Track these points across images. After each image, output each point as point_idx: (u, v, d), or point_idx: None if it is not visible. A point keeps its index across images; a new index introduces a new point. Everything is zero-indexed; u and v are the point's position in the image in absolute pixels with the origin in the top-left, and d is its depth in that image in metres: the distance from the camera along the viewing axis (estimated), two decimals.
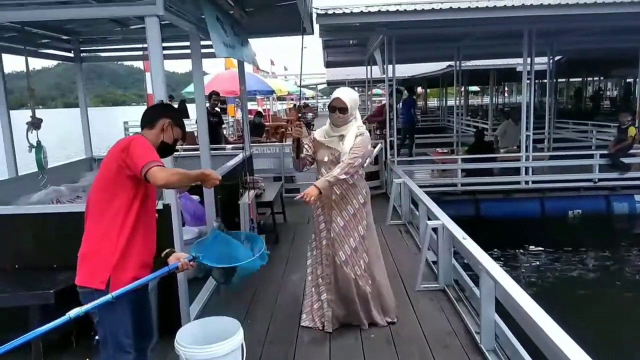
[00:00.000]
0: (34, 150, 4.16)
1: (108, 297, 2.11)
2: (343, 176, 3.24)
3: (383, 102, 11.51)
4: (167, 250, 2.50)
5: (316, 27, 7.55)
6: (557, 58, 13.12)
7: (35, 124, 3.97)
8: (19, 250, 3.42)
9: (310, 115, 3.81)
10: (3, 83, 4.77)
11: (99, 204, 2.30)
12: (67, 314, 2.00)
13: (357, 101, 3.48)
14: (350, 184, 3.40)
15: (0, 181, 4.66)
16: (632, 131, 8.53)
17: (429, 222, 4.21)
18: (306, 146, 3.49)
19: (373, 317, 3.53)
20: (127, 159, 2.21)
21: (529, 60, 8.72)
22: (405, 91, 12.52)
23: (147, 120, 2.48)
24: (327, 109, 3.57)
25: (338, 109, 3.36)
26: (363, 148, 3.33)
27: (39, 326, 3.00)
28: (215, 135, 9.11)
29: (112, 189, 2.27)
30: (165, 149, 2.48)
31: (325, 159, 3.43)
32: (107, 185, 2.29)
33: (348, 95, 3.36)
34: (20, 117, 4.83)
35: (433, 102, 38.88)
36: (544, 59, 11.60)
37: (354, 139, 3.33)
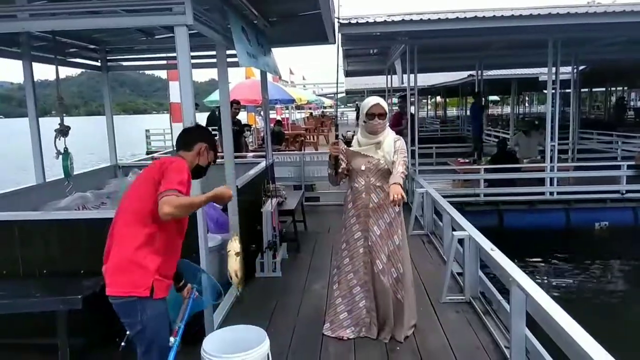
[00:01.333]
0: (60, 157, 4.21)
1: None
2: (406, 172, 3.28)
3: (396, 110, 11.50)
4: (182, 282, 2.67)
5: (338, 36, 7.57)
6: (581, 68, 12.92)
7: (63, 131, 4.04)
8: (47, 256, 3.45)
9: (350, 133, 3.78)
10: (33, 92, 4.87)
11: (138, 213, 2.34)
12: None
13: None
14: (386, 192, 3.35)
15: (29, 187, 4.75)
16: None
17: (455, 233, 4.14)
18: (342, 162, 3.49)
19: (402, 327, 3.49)
20: (162, 178, 2.29)
21: (553, 69, 8.59)
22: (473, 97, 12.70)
23: (185, 143, 2.58)
24: (360, 118, 3.55)
25: (378, 115, 3.36)
26: (405, 150, 3.39)
27: (67, 331, 3.06)
28: (237, 144, 9.17)
29: (151, 200, 2.30)
30: (199, 171, 2.60)
31: (363, 168, 3.41)
32: (147, 195, 2.33)
33: (384, 101, 3.42)
34: (46, 125, 4.92)
35: (452, 112, 38.61)
36: (568, 69, 11.44)
37: (394, 143, 3.36)
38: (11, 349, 3.36)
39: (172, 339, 2.39)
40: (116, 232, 2.41)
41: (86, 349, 3.25)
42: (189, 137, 2.62)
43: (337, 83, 3.89)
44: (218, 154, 2.73)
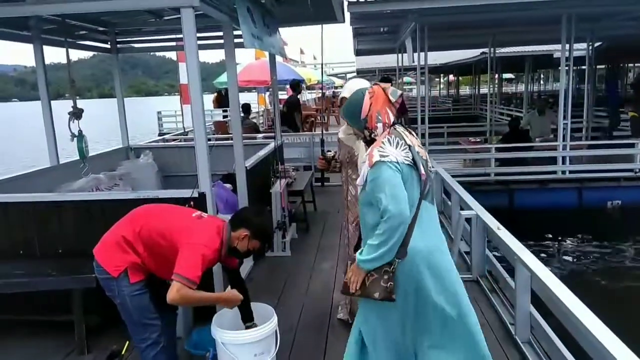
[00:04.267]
0: (75, 139, 4.28)
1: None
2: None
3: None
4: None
5: (347, 15, 7.49)
6: (596, 44, 12.63)
7: (76, 114, 4.10)
8: (62, 237, 3.55)
9: (330, 153, 3.74)
10: (44, 75, 4.93)
11: (146, 239, 2.48)
12: None
13: None
14: None
15: (43, 169, 4.84)
16: None
17: (462, 212, 4.15)
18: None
19: None
20: (181, 251, 2.37)
21: (567, 46, 8.42)
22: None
23: (235, 221, 2.63)
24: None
25: None
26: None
27: (82, 309, 3.17)
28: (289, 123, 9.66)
29: (167, 246, 2.45)
30: (235, 253, 2.62)
31: (342, 158, 3.34)
32: (166, 237, 2.46)
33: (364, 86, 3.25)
34: (58, 108, 4.99)
35: (465, 90, 38.10)
36: (583, 45, 11.19)
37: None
38: (30, 325, 3.49)
39: None
40: (118, 227, 2.55)
41: (101, 326, 3.36)
42: (239, 217, 2.65)
43: (322, 91, 3.82)
44: (262, 243, 2.67)
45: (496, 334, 3.26)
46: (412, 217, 2.07)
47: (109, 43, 6.02)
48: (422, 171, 2.13)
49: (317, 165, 3.53)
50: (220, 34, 5.29)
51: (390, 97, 2.21)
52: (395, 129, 2.19)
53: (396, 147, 2.09)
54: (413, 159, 2.10)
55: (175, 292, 2.30)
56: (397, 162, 2.06)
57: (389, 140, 2.12)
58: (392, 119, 2.20)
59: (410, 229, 2.07)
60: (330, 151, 3.47)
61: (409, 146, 2.13)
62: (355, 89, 2.68)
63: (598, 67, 16.35)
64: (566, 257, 7.32)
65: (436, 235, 2.21)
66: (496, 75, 15.73)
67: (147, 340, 2.51)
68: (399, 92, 2.25)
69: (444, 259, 2.20)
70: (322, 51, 4.46)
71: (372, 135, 2.21)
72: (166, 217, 2.56)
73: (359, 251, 2.18)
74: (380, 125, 2.18)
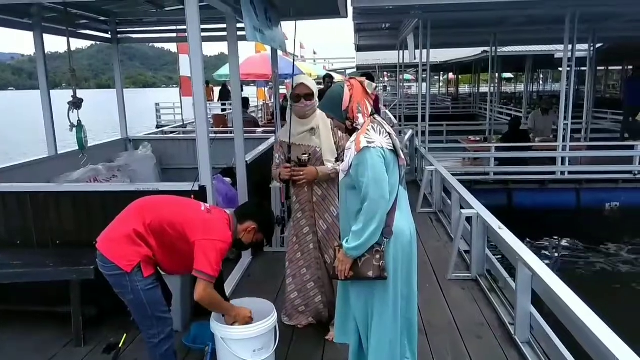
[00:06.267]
0: (74, 129, 4.23)
1: None
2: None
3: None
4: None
5: (350, 9, 7.43)
6: (598, 45, 12.62)
7: (76, 103, 4.04)
8: (60, 227, 3.52)
9: (305, 156, 3.58)
10: (44, 64, 4.89)
11: (158, 232, 2.43)
12: None
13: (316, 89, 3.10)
14: (331, 183, 3.13)
15: (42, 159, 4.80)
16: None
17: (463, 211, 4.15)
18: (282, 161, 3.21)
19: None
20: (197, 247, 2.36)
21: (570, 47, 8.40)
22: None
23: (241, 213, 2.66)
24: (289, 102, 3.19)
25: (304, 96, 3.02)
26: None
27: (80, 300, 3.14)
28: None
29: (178, 238, 2.43)
30: (240, 245, 2.65)
31: (301, 160, 3.09)
32: (178, 230, 2.43)
33: (312, 82, 3.08)
34: (55, 98, 4.94)
35: (464, 89, 38.10)
36: (584, 46, 11.17)
37: (334, 132, 3.05)
38: (27, 316, 3.46)
39: None
40: (126, 220, 2.48)
41: (99, 317, 3.34)
42: (245, 211, 2.70)
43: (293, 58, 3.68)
44: (266, 237, 2.73)
45: (495, 334, 3.25)
46: (394, 200, 2.25)
47: (110, 33, 5.97)
48: (402, 157, 2.31)
49: (280, 176, 3.13)
50: (222, 26, 5.25)
51: (367, 89, 2.36)
52: (375, 118, 2.34)
53: (379, 135, 2.24)
54: (394, 145, 2.26)
55: (202, 290, 2.32)
56: (382, 148, 2.20)
57: (373, 128, 2.26)
58: (370, 109, 2.34)
59: (393, 210, 2.24)
60: (305, 154, 3.09)
61: (389, 134, 2.28)
62: (313, 82, 3.05)
63: (598, 68, 16.33)
64: (563, 258, 7.33)
65: (411, 217, 2.41)
66: (496, 75, 15.71)
67: (160, 335, 2.45)
68: (374, 84, 2.43)
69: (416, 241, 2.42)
70: (294, 47, 4.30)
71: (354, 125, 2.33)
72: (177, 210, 2.52)
73: (345, 239, 2.29)
74: (360, 115, 2.31)
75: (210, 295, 2.39)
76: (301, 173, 3.03)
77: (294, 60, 3.99)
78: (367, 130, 2.24)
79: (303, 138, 3.09)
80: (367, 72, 5.99)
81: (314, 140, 3.07)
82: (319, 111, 3.01)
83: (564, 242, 7.91)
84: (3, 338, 3.28)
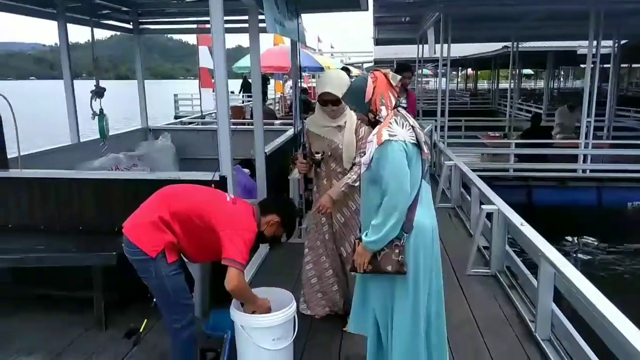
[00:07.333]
0: (96, 117, 4.29)
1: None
2: (357, 183, 2.85)
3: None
4: None
5: (370, 2, 7.37)
6: (622, 42, 12.35)
7: (98, 92, 4.10)
8: (82, 214, 3.57)
9: (318, 155, 3.57)
10: (67, 53, 4.94)
11: (182, 220, 2.44)
12: None
13: (348, 84, 2.82)
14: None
15: (64, 146, 4.87)
16: None
17: (484, 207, 4.10)
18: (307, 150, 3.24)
19: None
20: (224, 236, 2.36)
21: (594, 43, 8.23)
22: None
23: (264, 206, 2.67)
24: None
25: (331, 102, 2.95)
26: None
27: (102, 286, 3.18)
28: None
29: (203, 226, 2.43)
30: (260, 238, 2.62)
31: (315, 158, 3.10)
32: (203, 218, 2.43)
33: (338, 83, 2.92)
34: (76, 88, 4.99)
35: (482, 84, 37.65)
36: (607, 42, 10.94)
37: (357, 130, 2.98)
38: (49, 300, 3.51)
39: None
40: (152, 207, 2.49)
41: (121, 303, 3.38)
42: (270, 203, 2.71)
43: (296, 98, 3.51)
44: (287, 232, 2.73)
45: (515, 330, 3.22)
46: (415, 194, 2.20)
47: (131, 23, 6.01)
48: (425, 150, 2.25)
49: (298, 169, 3.22)
50: (242, 17, 5.25)
51: (392, 81, 2.31)
52: (398, 110, 2.29)
53: (402, 128, 2.20)
54: (417, 139, 2.21)
55: (235, 278, 2.31)
56: (405, 142, 2.15)
57: (395, 121, 2.22)
58: (394, 101, 2.30)
59: (414, 205, 2.20)
60: (319, 152, 3.09)
61: (412, 127, 2.23)
62: (341, 82, 2.84)
63: (621, 65, 15.98)
64: (584, 257, 7.21)
65: (433, 212, 2.37)
66: (516, 70, 15.48)
67: (182, 321, 2.47)
68: (398, 77, 2.37)
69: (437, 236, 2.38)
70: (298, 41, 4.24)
71: (377, 118, 2.29)
72: (203, 199, 2.53)
73: (364, 233, 2.27)
74: (383, 108, 2.27)
75: (243, 284, 2.40)
76: (322, 207, 3.04)
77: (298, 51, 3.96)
78: (390, 123, 2.20)
79: (328, 132, 3.06)
80: (405, 63, 5.82)
81: (338, 136, 3.03)
82: (348, 112, 3.01)
83: (584, 241, 7.79)
84: (24, 321, 3.35)
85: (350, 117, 3.01)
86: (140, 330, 2.98)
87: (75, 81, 4.99)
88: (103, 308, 3.23)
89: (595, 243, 7.71)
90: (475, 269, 4.16)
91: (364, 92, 2.28)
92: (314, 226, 3.32)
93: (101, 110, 4.28)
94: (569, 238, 7.81)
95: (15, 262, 3.29)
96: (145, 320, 3.01)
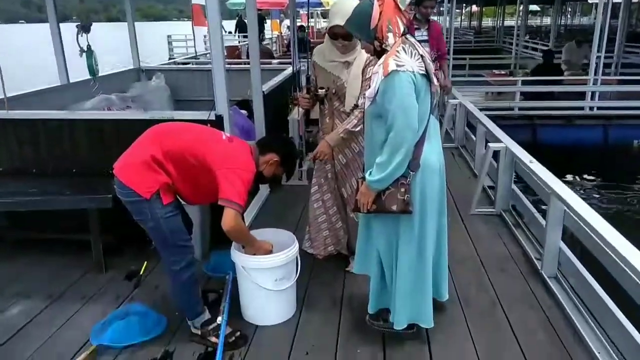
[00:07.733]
0: (84, 55, 4.04)
1: None
2: (358, 128, 2.74)
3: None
4: None
5: None
6: None
7: (85, 27, 3.82)
8: (75, 156, 3.45)
9: (322, 91, 3.37)
10: None
11: (177, 160, 2.31)
12: None
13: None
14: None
15: (54, 87, 4.68)
16: None
17: (491, 145, 3.97)
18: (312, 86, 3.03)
19: None
20: (221, 176, 2.23)
21: None
22: None
23: (263, 144, 2.56)
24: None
25: (341, 36, 2.67)
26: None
27: (99, 229, 3.12)
28: None
29: (199, 165, 2.31)
30: (260, 179, 2.50)
31: (318, 95, 2.92)
32: (198, 157, 2.30)
33: (346, 15, 2.54)
34: (64, 31, 4.72)
35: (487, 22, 36.44)
36: None
37: (365, 69, 2.73)
38: (47, 243, 3.46)
39: (219, 318, 2.42)
40: (143, 146, 2.35)
41: (119, 245, 3.33)
42: (268, 142, 2.61)
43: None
44: (287, 172, 2.63)
45: (520, 268, 3.18)
46: (423, 130, 2.08)
47: None
48: (435, 82, 2.10)
49: (299, 104, 3.09)
50: None
51: (400, 5, 2.08)
52: (407, 38, 2.09)
53: (411, 57, 2.02)
54: (426, 70, 2.04)
55: (232, 220, 2.21)
56: (413, 72, 1.99)
57: (403, 49, 2.03)
58: (402, 28, 2.08)
59: (421, 142, 2.09)
60: (323, 88, 2.90)
61: (422, 56, 2.06)
62: (349, 9, 2.28)
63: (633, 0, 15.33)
64: (589, 195, 7.15)
65: (441, 149, 2.27)
66: (521, 7, 14.87)
67: (181, 262, 2.38)
68: (408, 0, 2.17)
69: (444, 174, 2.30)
70: None
71: (383, 46, 2.09)
72: (196, 137, 2.39)
73: (368, 171, 2.14)
74: (390, 35, 2.06)
75: (240, 226, 2.31)
76: (319, 154, 2.89)
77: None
78: (397, 51, 2.01)
79: (335, 67, 2.83)
80: None
81: (345, 73, 2.81)
82: (359, 49, 2.69)
83: (590, 179, 7.71)
84: (20, 265, 3.30)
85: (360, 54, 2.75)
86: (141, 273, 2.95)
87: (65, 24, 4.73)
88: (101, 251, 3.17)
89: (602, 181, 7.62)
90: (479, 209, 4.09)
91: (369, 18, 2.06)
92: (318, 165, 3.21)
93: (89, 46, 4.02)
94: (569, 177, 7.73)
95: (9, 206, 3.21)
96: (145, 262, 2.97)
